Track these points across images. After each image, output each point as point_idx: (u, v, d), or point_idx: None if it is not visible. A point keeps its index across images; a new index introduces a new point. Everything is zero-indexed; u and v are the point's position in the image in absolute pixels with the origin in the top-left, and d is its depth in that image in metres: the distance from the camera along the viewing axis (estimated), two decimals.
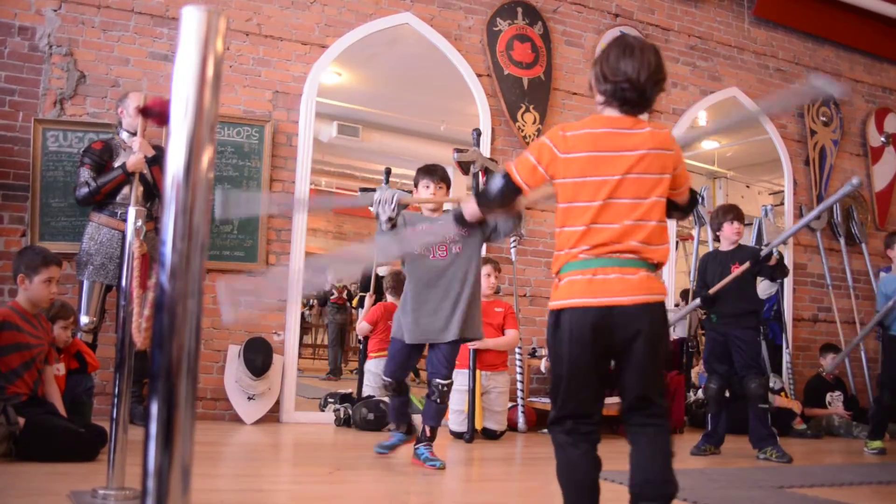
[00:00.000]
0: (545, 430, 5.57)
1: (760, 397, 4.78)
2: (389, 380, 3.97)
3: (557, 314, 2.06)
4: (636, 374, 2.04)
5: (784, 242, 5.18)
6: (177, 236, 0.96)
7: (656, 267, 2.06)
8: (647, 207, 2.03)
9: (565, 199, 2.09)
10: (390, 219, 3.62)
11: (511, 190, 2.22)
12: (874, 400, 5.77)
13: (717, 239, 5.23)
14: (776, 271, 5.01)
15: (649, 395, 2.05)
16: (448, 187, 4.04)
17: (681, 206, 2.22)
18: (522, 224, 4.15)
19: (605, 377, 2.10)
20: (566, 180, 2.08)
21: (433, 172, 4.01)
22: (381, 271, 6.47)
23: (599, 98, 2.14)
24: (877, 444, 5.43)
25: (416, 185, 4.04)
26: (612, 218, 2.03)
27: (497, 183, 2.25)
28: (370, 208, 3.77)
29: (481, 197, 2.44)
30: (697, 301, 5.11)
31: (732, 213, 5.06)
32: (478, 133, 5.64)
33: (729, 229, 5.01)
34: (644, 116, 2.13)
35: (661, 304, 2.06)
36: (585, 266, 2.03)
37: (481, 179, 5.44)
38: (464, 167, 5.43)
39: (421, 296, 3.86)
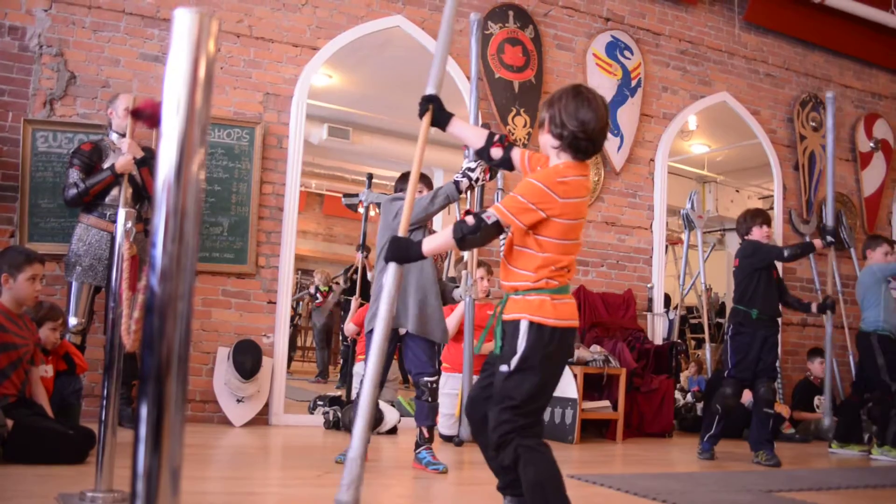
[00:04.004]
0: None
1: (769, 402, 4.86)
2: None
3: (560, 331, 2.18)
4: None
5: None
6: (167, 238, 0.96)
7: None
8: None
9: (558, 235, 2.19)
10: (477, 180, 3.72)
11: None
12: (877, 402, 5.64)
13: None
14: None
15: None
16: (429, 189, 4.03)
17: None
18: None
19: None
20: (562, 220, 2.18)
21: (423, 177, 3.98)
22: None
23: (554, 142, 2.23)
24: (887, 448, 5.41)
25: (396, 191, 4.06)
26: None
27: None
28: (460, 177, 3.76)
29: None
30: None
31: (761, 217, 5.09)
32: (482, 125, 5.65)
33: (758, 233, 5.04)
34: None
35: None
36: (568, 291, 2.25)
37: (484, 176, 5.47)
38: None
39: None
